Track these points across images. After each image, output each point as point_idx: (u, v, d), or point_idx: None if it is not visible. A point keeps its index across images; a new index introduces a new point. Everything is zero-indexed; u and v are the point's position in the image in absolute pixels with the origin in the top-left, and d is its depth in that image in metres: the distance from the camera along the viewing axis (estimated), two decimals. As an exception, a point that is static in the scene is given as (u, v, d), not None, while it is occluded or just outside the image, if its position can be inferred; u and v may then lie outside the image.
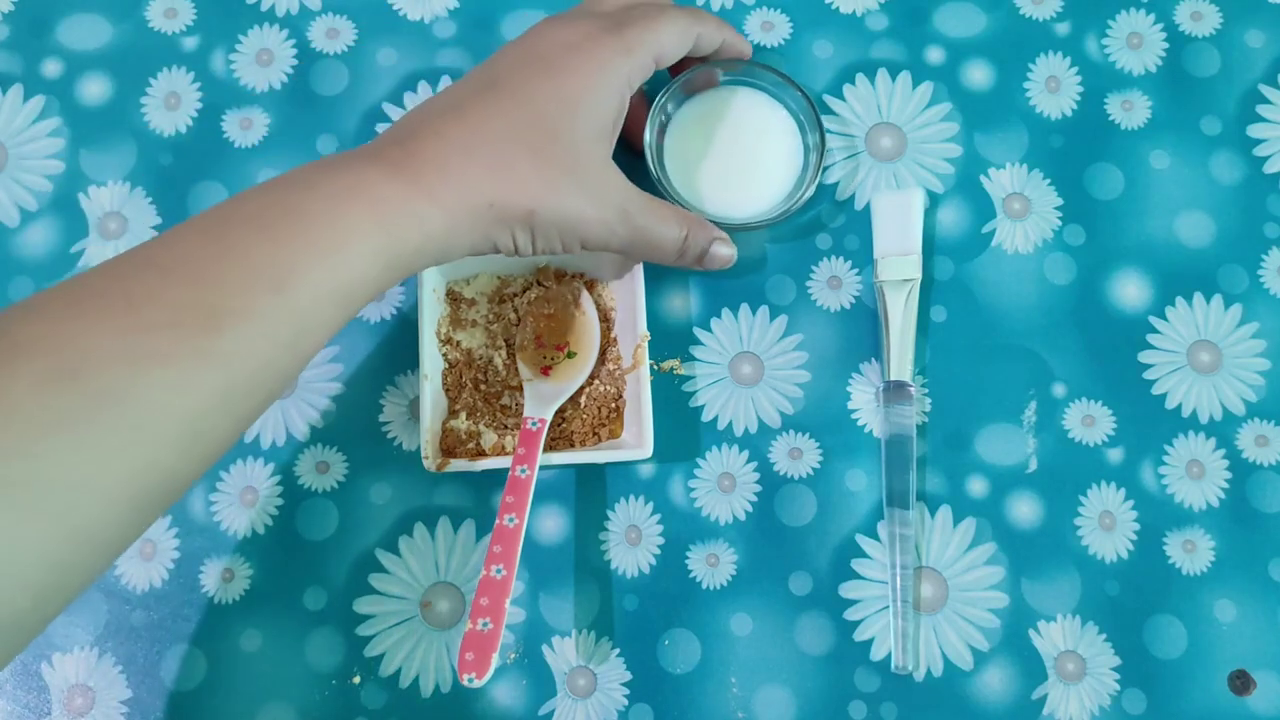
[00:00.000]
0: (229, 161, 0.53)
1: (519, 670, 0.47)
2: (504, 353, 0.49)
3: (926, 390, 0.50)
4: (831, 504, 0.49)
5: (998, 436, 0.50)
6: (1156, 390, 0.51)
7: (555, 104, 0.42)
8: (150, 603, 0.48)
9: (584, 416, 0.48)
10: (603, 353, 0.49)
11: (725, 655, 0.47)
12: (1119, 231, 0.52)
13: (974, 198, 0.53)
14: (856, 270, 0.52)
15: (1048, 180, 0.53)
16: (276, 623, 0.48)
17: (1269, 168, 0.53)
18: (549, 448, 0.47)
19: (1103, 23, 0.55)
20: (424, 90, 0.54)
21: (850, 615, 0.48)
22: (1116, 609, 0.48)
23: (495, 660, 0.42)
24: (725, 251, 0.48)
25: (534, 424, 0.46)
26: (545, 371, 0.49)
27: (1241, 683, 0.47)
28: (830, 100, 0.54)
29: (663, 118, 0.50)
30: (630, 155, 0.50)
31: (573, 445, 0.48)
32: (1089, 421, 0.50)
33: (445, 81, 0.54)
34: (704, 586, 0.48)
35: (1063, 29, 0.55)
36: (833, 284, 0.52)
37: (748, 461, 0.50)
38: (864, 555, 0.49)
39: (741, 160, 0.51)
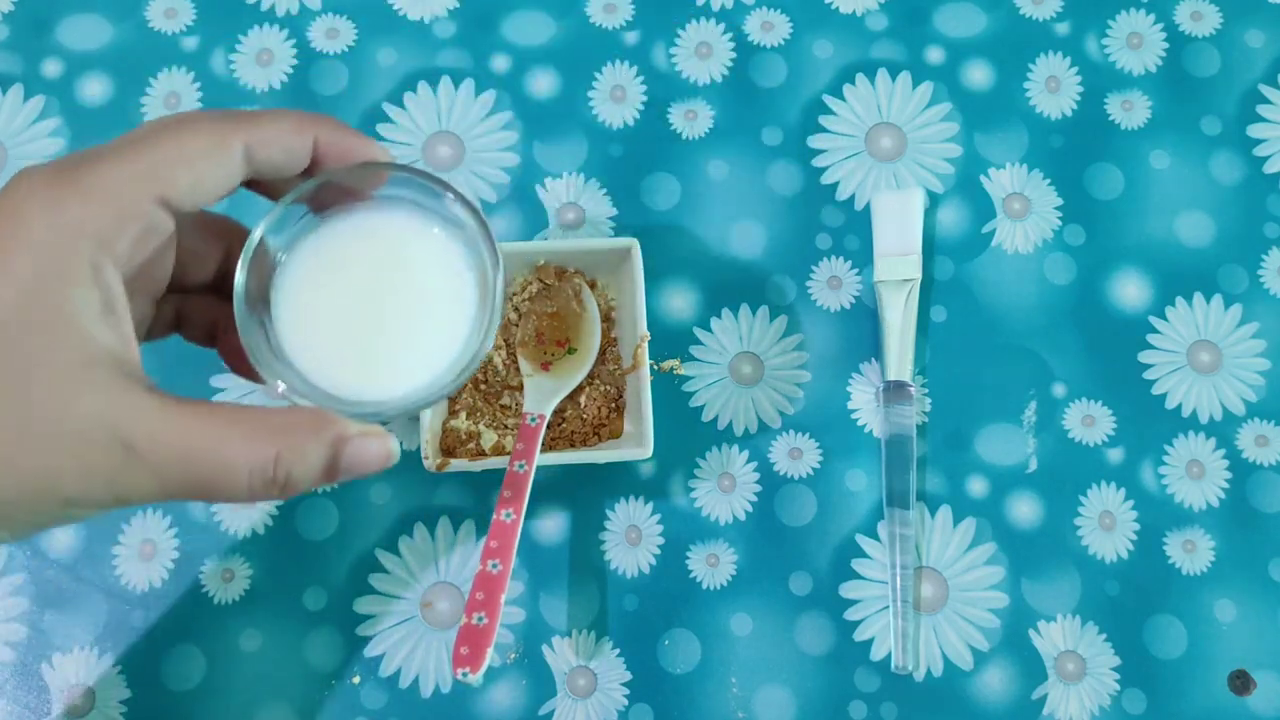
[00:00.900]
0: (229, 161, 0.53)
1: (519, 670, 0.47)
2: (504, 352, 0.49)
3: (926, 390, 0.50)
4: (831, 504, 0.49)
5: (998, 436, 0.50)
6: (1156, 390, 0.51)
7: None
8: (150, 603, 0.48)
9: (584, 416, 0.48)
10: (603, 352, 0.49)
11: (725, 655, 0.47)
12: (1119, 231, 0.52)
13: (974, 198, 0.53)
14: (856, 270, 0.52)
15: (1048, 180, 0.53)
16: (276, 623, 0.48)
17: (1269, 168, 0.53)
18: (549, 447, 0.47)
19: (1103, 23, 0.55)
20: (424, 90, 0.54)
21: (850, 615, 0.48)
22: (1116, 609, 0.48)
23: (491, 655, 0.41)
24: (372, 451, 0.30)
25: (533, 420, 0.46)
26: (545, 367, 0.49)
27: (1241, 683, 0.47)
28: (830, 100, 0.54)
29: (271, 255, 0.32)
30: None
31: (573, 445, 0.48)
32: (1089, 421, 0.50)
33: (445, 81, 0.54)
34: (704, 586, 0.48)
35: (1063, 29, 0.55)
36: (833, 284, 0.52)
37: (748, 461, 0.49)
38: (864, 555, 0.48)
39: (394, 311, 0.33)
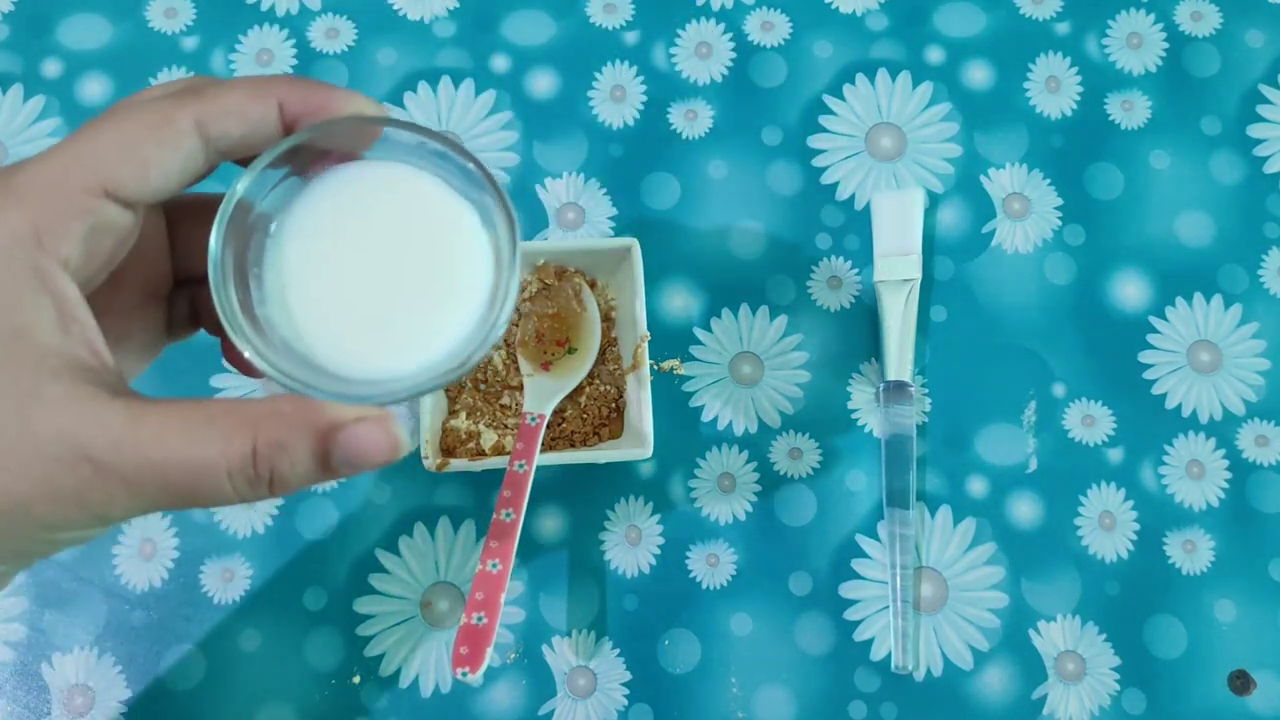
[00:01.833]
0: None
1: (519, 670, 0.47)
2: (503, 352, 0.49)
3: (926, 390, 0.50)
4: (831, 504, 0.49)
5: (998, 436, 0.50)
6: (1156, 390, 0.51)
7: None
8: (150, 603, 0.48)
9: (584, 416, 0.48)
10: (603, 352, 0.49)
11: (725, 655, 0.47)
12: (1119, 231, 0.52)
13: (974, 198, 0.53)
14: (856, 270, 0.52)
15: (1048, 180, 0.53)
16: (276, 623, 0.47)
17: (1269, 168, 0.53)
18: (549, 448, 0.47)
19: (1103, 23, 0.55)
20: (424, 90, 0.54)
21: (850, 615, 0.48)
22: (1116, 609, 0.48)
23: (490, 655, 0.42)
24: (373, 439, 0.26)
25: (533, 419, 0.46)
26: (545, 367, 0.49)
27: (1241, 683, 0.47)
28: (830, 100, 0.54)
29: (256, 218, 0.28)
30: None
31: (573, 445, 0.48)
32: (1089, 421, 0.50)
33: (445, 81, 0.54)
34: (704, 586, 0.48)
35: (1063, 29, 0.55)
36: (833, 284, 0.52)
37: (748, 461, 0.49)
38: (864, 555, 0.48)
39: (407, 279, 0.29)
